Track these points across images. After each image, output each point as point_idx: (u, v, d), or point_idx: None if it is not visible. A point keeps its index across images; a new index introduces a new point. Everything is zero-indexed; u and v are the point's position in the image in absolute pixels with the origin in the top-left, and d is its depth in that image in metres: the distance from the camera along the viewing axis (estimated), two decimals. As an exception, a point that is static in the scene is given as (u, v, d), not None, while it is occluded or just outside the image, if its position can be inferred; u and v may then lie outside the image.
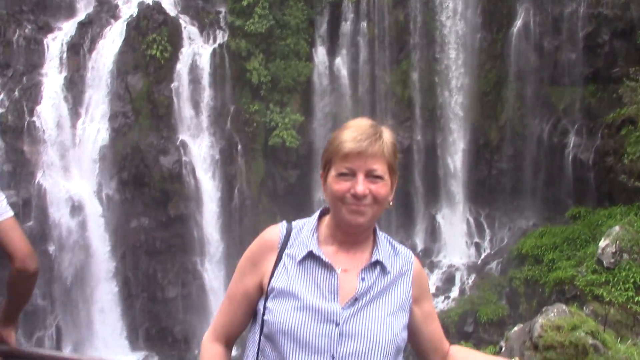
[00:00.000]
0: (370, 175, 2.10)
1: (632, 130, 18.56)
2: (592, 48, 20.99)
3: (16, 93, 19.94)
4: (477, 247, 23.41)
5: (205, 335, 2.32)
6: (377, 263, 2.19)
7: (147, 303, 21.41)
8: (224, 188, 22.53)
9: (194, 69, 22.12)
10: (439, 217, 23.87)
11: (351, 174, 2.10)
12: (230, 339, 2.30)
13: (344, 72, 23.39)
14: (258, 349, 2.15)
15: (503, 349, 7.89)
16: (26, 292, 2.67)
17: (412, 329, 2.24)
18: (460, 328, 19.49)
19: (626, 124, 19.04)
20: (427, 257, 23.47)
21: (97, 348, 19.93)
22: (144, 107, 21.45)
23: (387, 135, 2.17)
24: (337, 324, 2.06)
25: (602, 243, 16.19)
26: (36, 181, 19.70)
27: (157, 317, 21.32)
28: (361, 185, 2.08)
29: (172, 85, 21.78)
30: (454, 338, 16.79)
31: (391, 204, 2.18)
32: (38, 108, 20.09)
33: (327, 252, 2.17)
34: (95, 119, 20.94)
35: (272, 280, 2.15)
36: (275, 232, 2.24)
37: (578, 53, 21.29)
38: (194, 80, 22.07)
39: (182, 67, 22.04)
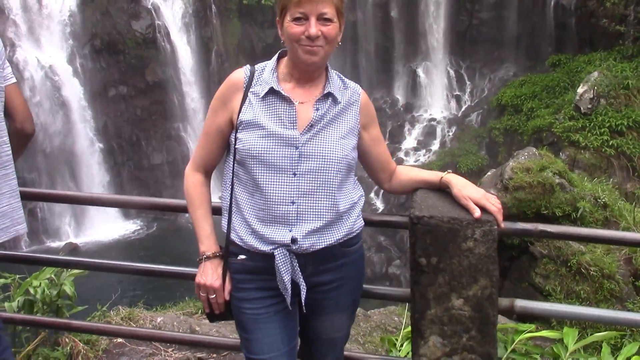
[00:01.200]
0: (321, 19, 2.38)
1: (616, -29, 18.03)
2: None
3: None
4: (458, 99, 23.46)
5: (187, 167, 2.66)
6: (329, 95, 2.51)
7: (134, 171, 21.64)
8: (200, 51, 22.02)
9: None
10: (419, 71, 23.70)
11: (304, 18, 2.38)
12: (209, 168, 2.66)
13: None
14: (233, 174, 2.52)
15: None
16: (20, 151, 2.98)
17: (362, 151, 2.63)
18: (440, 179, 20.00)
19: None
20: (408, 112, 23.54)
21: (90, 218, 20.30)
22: (109, -31, 20.43)
23: None
24: (296, 147, 2.41)
25: (580, 89, 16.28)
26: (7, 54, 19.11)
27: (145, 184, 21.65)
28: (314, 28, 2.36)
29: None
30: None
31: (340, 43, 2.48)
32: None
33: (285, 88, 2.49)
34: (59, -15, 19.98)
35: (240, 115, 2.47)
36: (240, 73, 2.54)
37: None
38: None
39: None
